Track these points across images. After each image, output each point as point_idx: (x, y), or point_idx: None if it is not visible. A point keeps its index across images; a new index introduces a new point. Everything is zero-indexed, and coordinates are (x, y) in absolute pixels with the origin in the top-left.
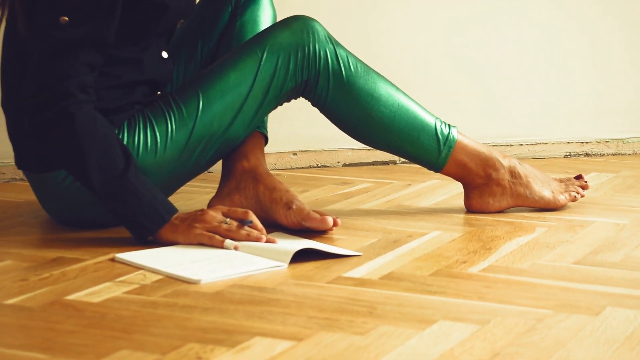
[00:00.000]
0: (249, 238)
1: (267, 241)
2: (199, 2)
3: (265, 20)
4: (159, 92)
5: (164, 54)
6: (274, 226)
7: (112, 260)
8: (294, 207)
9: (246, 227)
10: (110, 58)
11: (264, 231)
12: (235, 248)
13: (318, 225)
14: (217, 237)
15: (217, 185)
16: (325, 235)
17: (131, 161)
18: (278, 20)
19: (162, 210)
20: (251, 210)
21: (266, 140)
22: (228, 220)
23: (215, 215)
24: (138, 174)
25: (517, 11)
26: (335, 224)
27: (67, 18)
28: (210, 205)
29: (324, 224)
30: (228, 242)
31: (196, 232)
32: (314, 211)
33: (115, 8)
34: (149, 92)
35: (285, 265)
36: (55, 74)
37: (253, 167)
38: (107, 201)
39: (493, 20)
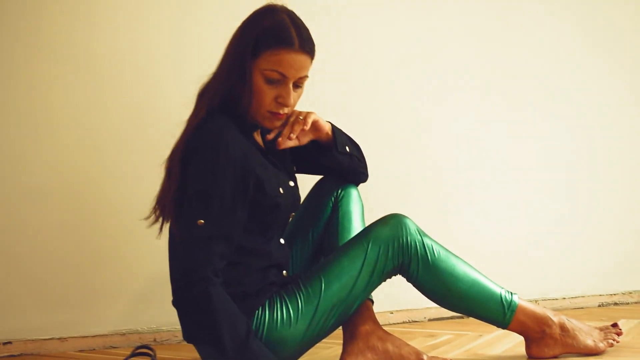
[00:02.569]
0: None
1: None
2: (304, 200)
3: (356, 212)
4: (284, 272)
5: (282, 241)
6: None
7: None
8: (425, 358)
9: None
10: (245, 250)
11: None
12: None
13: None
14: None
15: (330, 344)
16: None
17: (250, 328)
18: (365, 208)
19: None
20: None
21: (372, 303)
22: None
23: None
24: (254, 338)
25: (548, 181)
26: None
27: (202, 221)
28: None
29: None
30: None
31: None
32: (436, 358)
33: (238, 213)
34: (277, 272)
35: None
36: (196, 262)
37: (375, 329)
38: None
39: (535, 198)
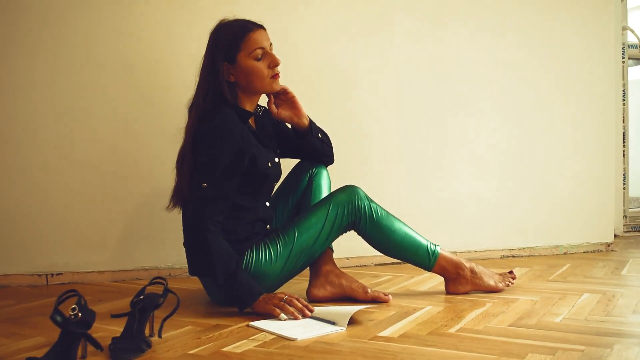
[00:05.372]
0: (294, 313)
1: (309, 311)
2: (287, 175)
3: (324, 185)
4: (268, 226)
5: (267, 203)
6: (348, 301)
7: (247, 326)
8: (369, 291)
9: (294, 301)
10: (240, 207)
11: (308, 307)
12: (284, 319)
13: (384, 300)
14: (277, 310)
15: (300, 280)
16: (372, 306)
17: (239, 265)
18: (333, 183)
19: (255, 293)
20: (335, 293)
21: (332, 251)
22: (285, 298)
23: (281, 296)
24: (242, 272)
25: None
26: (388, 300)
27: (205, 184)
28: (310, 292)
29: (387, 299)
30: (282, 315)
31: (267, 307)
32: (376, 291)
33: (233, 179)
34: (263, 226)
35: (345, 328)
36: (199, 215)
37: (333, 269)
38: (226, 289)
39: (453, 174)
